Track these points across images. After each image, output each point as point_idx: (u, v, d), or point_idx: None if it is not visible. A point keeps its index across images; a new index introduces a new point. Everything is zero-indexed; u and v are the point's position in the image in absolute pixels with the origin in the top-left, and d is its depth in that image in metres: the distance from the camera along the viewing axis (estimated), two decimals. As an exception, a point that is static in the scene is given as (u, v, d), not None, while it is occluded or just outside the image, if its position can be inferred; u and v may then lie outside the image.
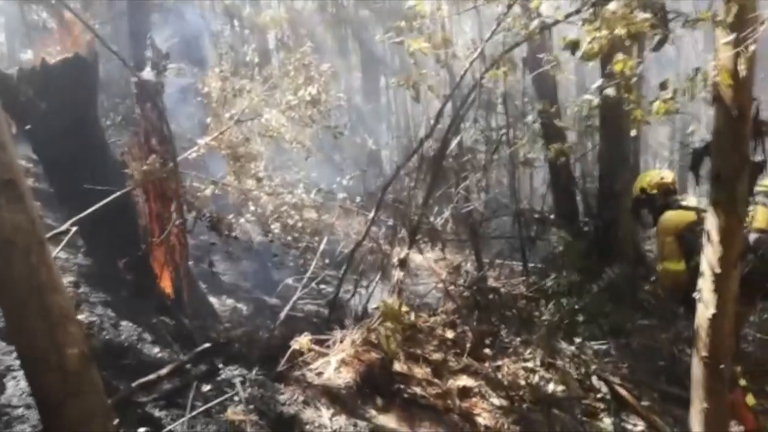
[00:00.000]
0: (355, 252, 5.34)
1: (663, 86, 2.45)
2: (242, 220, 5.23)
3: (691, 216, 4.39)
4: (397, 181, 5.12)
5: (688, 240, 4.33)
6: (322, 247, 5.50)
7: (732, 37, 1.98)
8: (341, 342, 4.70)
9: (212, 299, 6.23)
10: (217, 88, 4.45)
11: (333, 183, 6.19)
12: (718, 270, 2.47)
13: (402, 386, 4.37)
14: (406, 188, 5.09)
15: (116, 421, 2.43)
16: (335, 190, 5.97)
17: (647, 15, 2.33)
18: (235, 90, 4.42)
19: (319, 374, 4.38)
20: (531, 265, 6.64)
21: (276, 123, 4.49)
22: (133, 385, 3.51)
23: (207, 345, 4.26)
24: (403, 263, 4.76)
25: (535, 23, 3.31)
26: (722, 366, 2.71)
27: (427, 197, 4.90)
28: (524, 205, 7.36)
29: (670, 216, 4.54)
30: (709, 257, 2.45)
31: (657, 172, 4.73)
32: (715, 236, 2.39)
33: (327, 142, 7.26)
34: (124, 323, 4.52)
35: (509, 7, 3.49)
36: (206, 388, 3.81)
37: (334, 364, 4.46)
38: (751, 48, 1.95)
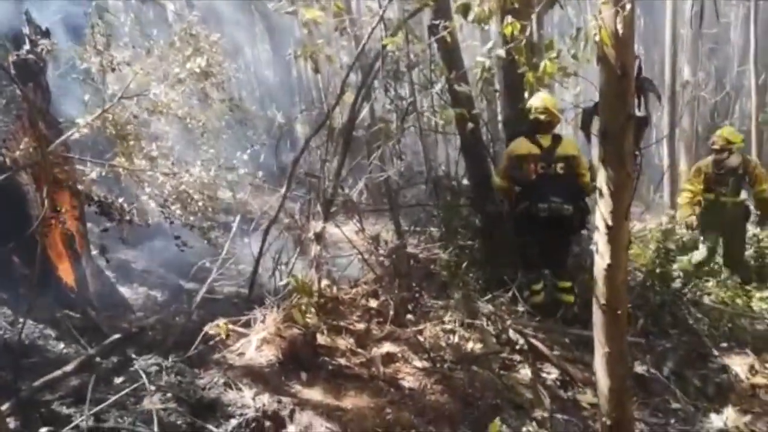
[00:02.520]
0: (270, 228, 5.25)
1: (548, 47, 2.53)
2: (144, 198, 4.97)
3: (527, 149, 5.12)
4: (309, 154, 5.05)
5: (512, 165, 5.32)
6: (235, 225, 5.36)
7: (612, -4, 2.06)
8: (262, 321, 4.65)
9: (122, 288, 5.95)
10: (96, 63, 4.14)
11: (243, 159, 6.01)
12: (610, 223, 2.61)
13: (326, 359, 4.38)
14: (318, 161, 5.03)
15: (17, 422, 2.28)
16: (238, 166, 5.80)
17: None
18: (113, 64, 4.13)
19: (240, 355, 4.31)
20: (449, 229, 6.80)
21: (165, 98, 4.26)
22: (36, 384, 3.30)
23: (117, 336, 4.08)
24: (319, 237, 4.73)
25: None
26: (619, 312, 2.89)
27: (340, 169, 4.87)
28: (440, 172, 7.50)
29: (516, 141, 5.39)
30: (602, 210, 2.59)
31: (539, 99, 5.14)
32: (605, 190, 2.52)
33: (234, 119, 7.03)
34: (23, 320, 4.23)
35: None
36: (119, 380, 3.65)
37: (255, 343, 4.40)
38: (628, 7, 2.04)
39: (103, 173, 4.43)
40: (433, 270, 6.13)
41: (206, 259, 5.85)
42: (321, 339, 4.57)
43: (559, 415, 4.16)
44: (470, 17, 2.71)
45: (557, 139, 5.36)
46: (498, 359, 4.76)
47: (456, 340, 4.83)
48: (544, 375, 4.72)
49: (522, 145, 5.34)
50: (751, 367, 5.19)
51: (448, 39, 4.14)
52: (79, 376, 3.56)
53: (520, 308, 5.50)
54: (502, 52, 2.82)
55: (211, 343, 4.39)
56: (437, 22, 4.01)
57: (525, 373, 4.68)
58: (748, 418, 4.54)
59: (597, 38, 2.13)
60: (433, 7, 4.23)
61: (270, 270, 5.67)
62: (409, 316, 5.26)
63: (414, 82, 5.11)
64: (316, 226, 4.79)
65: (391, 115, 5.40)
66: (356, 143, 5.16)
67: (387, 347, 4.75)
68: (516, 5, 2.56)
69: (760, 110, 11.76)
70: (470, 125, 5.36)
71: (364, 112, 4.87)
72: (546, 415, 4.08)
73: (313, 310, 4.09)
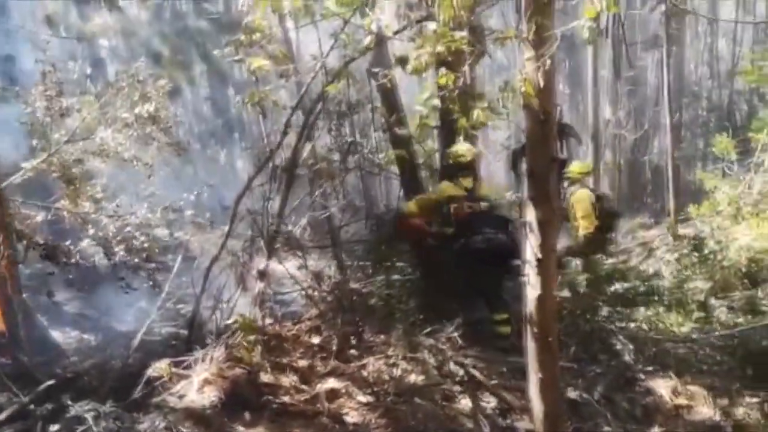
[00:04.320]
0: (212, 267, 5.24)
1: (479, 98, 2.77)
2: (83, 244, 4.88)
3: (454, 191, 5.44)
4: (252, 192, 5.11)
5: (440, 207, 5.71)
6: (177, 266, 5.31)
7: (532, 53, 2.31)
8: (203, 361, 4.59)
9: (55, 332, 5.72)
10: (42, 107, 4.12)
11: (185, 199, 5.99)
12: (539, 255, 2.82)
13: (270, 397, 4.38)
14: (261, 199, 5.09)
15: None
16: (183, 207, 5.79)
17: (464, 33, 2.62)
18: (62, 109, 4.12)
19: (181, 397, 4.24)
20: (388, 264, 6.95)
21: (112, 142, 4.27)
22: (-35, 436, 3.16)
23: (51, 382, 3.94)
24: (263, 274, 4.76)
25: (367, 39, 3.54)
26: (550, 339, 3.09)
27: (283, 206, 4.95)
28: (380, 208, 7.70)
29: (444, 186, 5.83)
30: (532, 244, 2.80)
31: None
32: (534, 226, 2.74)
33: (175, 159, 7.01)
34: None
35: (345, 23, 3.68)
36: (54, 428, 3.53)
37: (197, 385, 4.35)
38: (548, 63, 2.28)
39: (49, 216, 4.33)
40: (375, 305, 6.24)
41: (143, 300, 5.74)
42: (264, 377, 4.57)
43: (498, 443, 4.30)
44: (408, 68, 2.93)
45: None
46: (439, 390, 4.88)
47: (398, 373, 4.92)
48: (483, 404, 4.87)
49: (446, 189, 5.80)
50: (674, 389, 5.53)
51: (388, 85, 4.40)
52: (12, 425, 3.41)
53: (460, 340, 5.66)
54: (437, 101, 3.06)
55: (151, 387, 4.30)
56: (376, 70, 4.26)
57: (465, 403, 4.81)
58: (673, 437, 4.82)
59: (522, 89, 2.36)
60: (373, 57, 4.49)
61: (211, 309, 5.62)
62: (353, 351, 5.32)
63: (354, 124, 5.31)
64: (260, 263, 4.82)
65: (333, 154, 5.57)
66: (299, 181, 5.28)
67: (331, 383, 4.79)
68: (450, 58, 2.80)
69: (674, 146, 12.72)
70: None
71: (306, 151, 5.01)
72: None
73: (258, 348, 4.09)
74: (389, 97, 5.22)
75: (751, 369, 5.88)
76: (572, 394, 5.12)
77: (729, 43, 15.88)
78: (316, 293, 5.88)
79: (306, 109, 4.46)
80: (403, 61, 2.90)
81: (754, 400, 5.36)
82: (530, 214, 2.75)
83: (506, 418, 4.80)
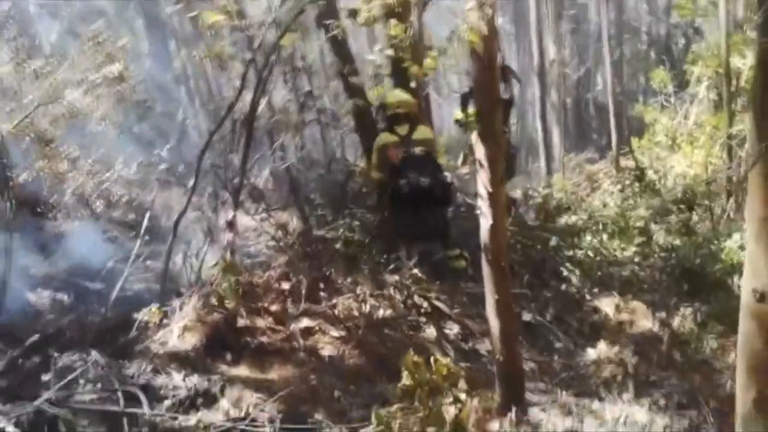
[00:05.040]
0: (180, 222, 5.37)
1: (430, 47, 2.99)
2: (65, 199, 4.93)
3: (387, 140, 5.88)
4: (213, 147, 5.22)
5: (381, 157, 6.03)
6: (145, 222, 5.43)
7: (474, 1, 2.52)
8: (180, 310, 4.81)
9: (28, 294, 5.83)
10: (9, 72, 4.10)
11: (149, 157, 6.03)
12: (490, 189, 3.13)
13: (248, 339, 4.66)
14: (222, 153, 5.22)
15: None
16: (155, 163, 5.86)
17: (409, -17, 2.81)
18: (31, 72, 4.11)
19: (163, 344, 4.48)
20: (347, 210, 7.21)
21: (80, 104, 4.30)
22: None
23: (36, 337, 4.11)
24: (231, 225, 4.95)
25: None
26: (503, 264, 3.44)
27: (244, 159, 5.10)
28: (338, 157, 7.88)
29: (379, 137, 6.13)
30: (482, 179, 3.10)
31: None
32: (484, 162, 3.03)
33: (130, 116, 6.95)
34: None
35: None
36: (45, 377, 3.73)
37: (177, 332, 4.58)
38: (489, 11, 2.51)
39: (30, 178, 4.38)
40: (340, 249, 6.53)
41: (114, 258, 5.85)
42: (241, 321, 4.83)
43: (462, 363, 4.73)
44: (359, 20, 3.10)
45: (413, 127, 6.08)
46: (406, 322, 5.27)
47: (367, 309, 5.27)
48: (447, 331, 5.30)
49: (383, 138, 6.09)
50: (618, 307, 6.09)
51: (339, 37, 4.53)
52: (5, 377, 3.60)
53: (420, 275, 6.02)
54: (390, 51, 3.26)
55: (133, 336, 4.52)
56: (327, 21, 4.39)
57: (431, 331, 5.23)
58: (616, 348, 5.37)
59: (467, 37, 2.59)
60: (322, 8, 4.60)
61: (179, 265, 5.78)
62: (322, 294, 5.62)
63: (310, 75, 5.42)
64: (227, 214, 5.00)
65: (291, 105, 5.70)
66: (257, 134, 5.40)
67: (304, 322, 5.09)
68: (399, 9, 2.98)
69: (616, 82, 13.20)
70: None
71: (263, 104, 5.12)
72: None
73: (239, 289, 4.35)
74: (341, 48, 5.34)
75: (686, 284, 6.51)
76: (527, 316, 5.61)
77: (666, -24, 16.28)
78: (281, 243, 6.10)
79: (260, 63, 4.56)
80: (353, 14, 3.07)
81: (688, 311, 5.99)
82: (479, 151, 3.03)
83: (468, 342, 5.26)
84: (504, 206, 3.26)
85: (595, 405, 4.52)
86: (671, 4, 14.25)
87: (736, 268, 6.02)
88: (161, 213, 6.63)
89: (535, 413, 4.19)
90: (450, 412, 2.72)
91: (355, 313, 5.22)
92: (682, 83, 10.51)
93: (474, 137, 2.98)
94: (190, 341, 4.47)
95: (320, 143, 7.31)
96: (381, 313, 5.28)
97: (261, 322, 4.95)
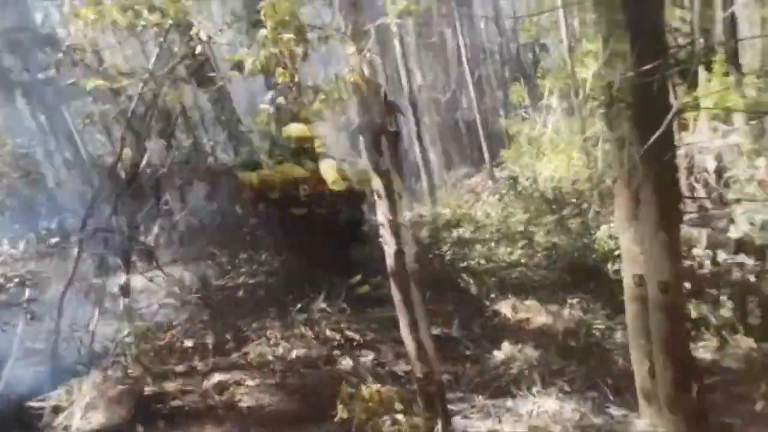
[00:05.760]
0: (65, 295, 5.02)
1: (315, 91, 3.13)
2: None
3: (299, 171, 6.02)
4: (97, 210, 4.96)
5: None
6: (26, 297, 5.00)
7: (354, 47, 2.69)
8: (80, 389, 4.49)
9: None
10: None
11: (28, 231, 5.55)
12: (390, 217, 3.29)
13: (159, 406, 4.44)
14: (107, 217, 4.96)
15: None
16: (48, 236, 5.41)
17: (291, 35, 2.92)
18: None
19: (66, 428, 4.16)
20: (245, 255, 7.08)
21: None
22: None
23: None
24: (125, 289, 4.72)
25: (198, 48, 3.67)
26: (411, 286, 3.61)
27: (132, 218, 4.90)
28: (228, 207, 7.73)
29: (286, 166, 6.16)
30: (383, 210, 3.26)
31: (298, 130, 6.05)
32: (382, 193, 3.19)
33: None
34: None
35: (166, 32, 3.75)
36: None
37: (79, 413, 4.27)
38: (368, 55, 2.69)
39: None
40: (243, 296, 6.41)
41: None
42: (148, 389, 4.60)
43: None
44: (245, 72, 3.15)
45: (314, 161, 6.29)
46: (321, 357, 5.28)
47: (281, 351, 5.22)
48: (363, 359, 5.37)
49: (294, 170, 6.20)
50: (514, 307, 6.52)
51: (220, 87, 4.55)
52: None
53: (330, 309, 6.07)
54: (282, 99, 3.34)
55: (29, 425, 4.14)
56: (212, 74, 4.40)
57: (347, 362, 5.27)
58: (519, 346, 5.74)
59: (352, 78, 2.75)
60: (195, 63, 4.60)
61: (71, 337, 5.37)
62: (231, 345, 5.49)
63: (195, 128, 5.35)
64: (119, 278, 4.77)
65: (175, 159, 5.56)
66: (144, 192, 5.21)
67: (216, 377, 4.94)
68: (286, 59, 3.07)
69: (479, 100, 14.17)
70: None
71: (145, 160, 4.95)
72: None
73: (151, 355, 4.15)
74: (223, 99, 5.35)
75: (569, 277, 7.11)
76: (435, 330, 5.83)
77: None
78: (179, 300, 5.90)
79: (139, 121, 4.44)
80: (239, 66, 3.12)
81: (575, 301, 6.54)
82: (376, 183, 3.19)
83: (384, 367, 5.36)
84: (404, 233, 3.43)
85: (509, 403, 4.81)
86: (518, 27, 15.58)
87: (609, 256, 6.67)
88: (45, 287, 6.13)
89: (457, 421, 4.38)
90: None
91: (270, 357, 5.14)
92: (536, 96, 11.50)
93: (371, 170, 3.13)
94: (96, 420, 4.18)
95: (212, 193, 7.15)
96: (295, 353, 5.25)
97: (170, 386, 4.73)
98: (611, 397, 4.87)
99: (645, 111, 2.85)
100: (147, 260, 5.53)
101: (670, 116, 2.42)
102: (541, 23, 11.27)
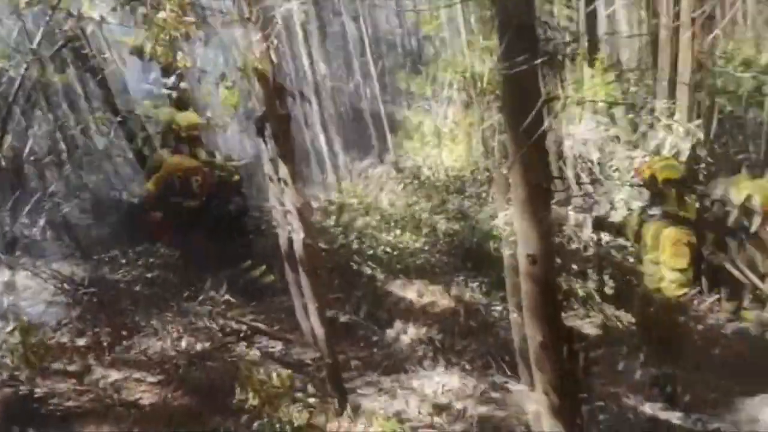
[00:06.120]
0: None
1: (222, 78, 3.06)
2: None
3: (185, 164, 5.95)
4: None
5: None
6: None
7: (260, 34, 2.67)
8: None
9: None
10: None
11: None
12: (298, 204, 3.30)
13: (52, 407, 4.18)
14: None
15: None
16: None
17: (191, 18, 2.83)
18: None
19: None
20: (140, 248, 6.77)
21: None
22: None
23: None
24: (9, 286, 4.38)
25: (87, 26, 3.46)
26: (318, 273, 3.64)
27: (14, 210, 4.56)
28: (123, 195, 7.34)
29: (174, 157, 6.07)
30: (290, 196, 3.26)
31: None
32: (288, 180, 3.19)
33: None
34: None
35: (53, 9, 3.50)
36: None
37: (-40, 422, 3.93)
38: (275, 42, 2.67)
39: None
40: (140, 291, 6.13)
41: None
42: (39, 391, 4.31)
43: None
44: (146, 55, 3.02)
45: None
46: (227, 350, 5.18)
47: (184, 345, 5.06)
48: (270, 350, 5.34)
49: (176, 160, 6.03)
50: (419, 293, 6.74)
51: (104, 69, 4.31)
52: None
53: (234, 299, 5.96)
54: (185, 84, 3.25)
55: None
56: (90, 54, 4.14)
57: (254, 353, 5.22)
58: (424, 329, 5.96)
59: (256, 64, 2.72)
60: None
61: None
62: (128, 342, 5.25)
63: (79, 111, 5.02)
64: (2, 275, 4.42)
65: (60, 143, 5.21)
66: (28, 181, 4.84)
67: (114, 376, 4.72)
68: (184, 42, 2.98)
69: (382, 91, 14.33)
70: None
71: (28, 146, 4.59)
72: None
73: (42, 352, 3.89)
74: (105, 82, 5.08)
75: (469, 263, 7.45)
76: (343, 318, 5.93)
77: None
78: (68, 297, 5.55)
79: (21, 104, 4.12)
80: (140, 50, 2.97)
81: (475, 284, 6.88)
82: (282, 171, 3.18)
83: (294, 356, 5.36)
84: (311, 220, 3.46)
85: (415, 383, 5.00)
86: (418, 20, 15.91)
87: (506, 242, 7.06)
88: None
89: (365, 404, 4.49)
90: (303, 416, 2.84)
91: (171, 353, 4.98)
92: (436, 88, 11.82)
93: (275, 157, 3.12)
94: (-24, 426, 3.87)
95: (101, 181, 6.75)
96: (199, 347, 5.11)
97: (63, 386, 4.46)
98: (509, 373, 5.19)
99: (514, 100, 2.94)
100: (32, 255, 5.16)
101: (538, 105, 2.58)
102: (441, 17, 11.58)
